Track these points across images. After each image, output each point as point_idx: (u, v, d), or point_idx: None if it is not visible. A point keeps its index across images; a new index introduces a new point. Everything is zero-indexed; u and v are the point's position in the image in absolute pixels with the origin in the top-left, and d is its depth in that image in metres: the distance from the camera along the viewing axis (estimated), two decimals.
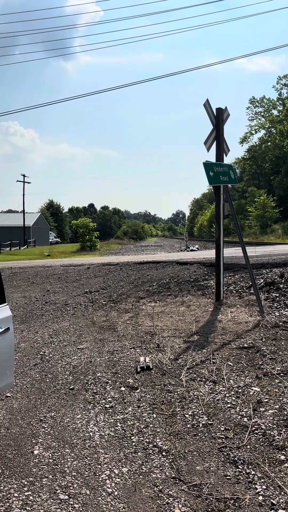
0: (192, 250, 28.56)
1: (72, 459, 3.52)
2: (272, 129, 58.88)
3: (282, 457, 3.35)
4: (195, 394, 4.55)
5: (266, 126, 61.16)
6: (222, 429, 3.83)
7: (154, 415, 4.19)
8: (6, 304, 3.91)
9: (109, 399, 4.63)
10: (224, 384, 4.72)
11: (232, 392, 4.50)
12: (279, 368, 4.98)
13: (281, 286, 8.50)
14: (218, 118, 8.51)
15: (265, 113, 61.73)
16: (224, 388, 4.61)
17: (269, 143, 59.83)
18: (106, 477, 3.26)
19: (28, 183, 57.76)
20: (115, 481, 3.21)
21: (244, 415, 4.03)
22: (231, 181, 7.96)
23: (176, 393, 4.61)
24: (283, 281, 8.78)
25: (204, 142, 8.45)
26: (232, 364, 5.25)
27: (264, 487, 3.02)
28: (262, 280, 9.10)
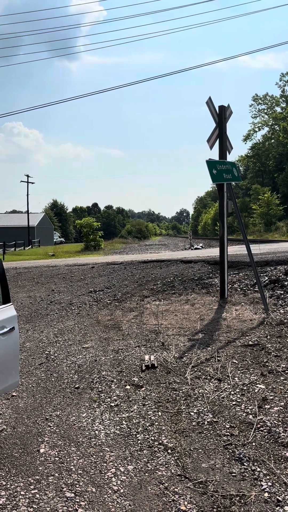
0: (196, 249, 28.53)
1: (78, 457, 3.54)
2: (276, 126, 58.67)
3: None
4: (200, 392, 4.55)
5: (270, 123, 60.95)
6: (227, 426, 3.83)
7: (159, 413, 4.20)
8: (11, 303, 3.93)
9: (114, 397, 4.65)
10: (229, 381, 4.72)
11: (237, 390, 4.50)
12: (284, 366, 4.98)
13: (286, 283, 8.48)
14: (221, 116, 8.50)
15: (268, 110, 61.50)
16: (229, 386, 4.61)
17: (272, 141, 59.63)
18: (112, 475, 3.28)
19: (32, 183, 57.89)
20: (121, 479, 3.22)
21: (249, 412, 4.03)
22: (234, 178, 7.95)
23: (181, 391, 4.62)
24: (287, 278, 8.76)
25: (207, 140, 8.45)
26: (237, 362, 5.25)
27: (269, 484, 3.02)
28: (266, 278, 9.08)
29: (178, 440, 3.71)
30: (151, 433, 3.85)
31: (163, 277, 11.12)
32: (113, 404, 4.48)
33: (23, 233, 54.70)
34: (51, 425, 4.13)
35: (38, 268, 17.09)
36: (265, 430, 3.70)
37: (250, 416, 3.95)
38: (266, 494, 2.92)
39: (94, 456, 3.55)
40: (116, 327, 7.40)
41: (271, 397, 4.25)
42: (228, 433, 3.72)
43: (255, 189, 53.94)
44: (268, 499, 2.87)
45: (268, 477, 3.10)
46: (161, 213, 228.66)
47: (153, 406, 4.35)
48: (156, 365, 5.37)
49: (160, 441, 3.70)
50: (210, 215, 74.38)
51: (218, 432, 3.76)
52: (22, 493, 3.10)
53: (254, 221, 47.39)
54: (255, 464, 3.27)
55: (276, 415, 3.91)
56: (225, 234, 8.54)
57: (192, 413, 4.13)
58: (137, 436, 3.82)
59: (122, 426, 4.02)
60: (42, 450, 3.68)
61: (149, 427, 3.95)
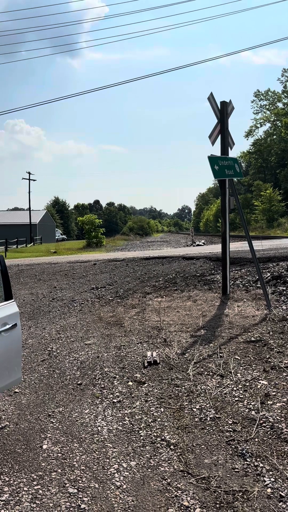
0: (198, 245, 28.50)
1: (81, 453, 3.55)
2: (278, 122, 58.43)
3: None
4: (202, 388, 4.55)
5: (271, 119, 60.69)
6: (230, 422, 3.83)
7: (162, 409, 4.20)
8: (13, 300, 3.93)
9: (116, 393, 4.65)
10: (231, 377, 4.72)
11: (240, 386, 4.50)
12: (286, 361, 4.97)
13: None
14: (223, 111, 8.47)
15: (270, 106, 61.22)
16: (231, 382, 4.61)
17: (274, 136, 59.39)
18: (115, 471, 3.28)
19: (34, 180, 57.88)
20: (124, 475, 3.23)
21: (252, 408, 4.02)
22: (236, 174, 7.92)
23: (183, 387, 4.62)
24: None
25: (209, 136, 8.41)
26: (239, 358, 5.24)
27: (272, 479, 3.02)
28: (269, 274, 9.06)
29: (181, 436, 3.71)
30: (154, 429, 3.85)
31: (165, 274, 11.12)
32: (115, 401, 4.48)
33: (25, 230, 54.73)
34: (53, 421, 4.14)
35: (40, 265, 17.11)
36: (267, 426, 3.70)
37: (253, 412, 3.95)
38: (269, 490, 2.92)
39: (96, 452, 3.55)
40: (118, 323, 7.40)
41: (274, 393, 4.25)
42: (230, 429, 3.72)
43: (257, 185, 53.76)
44: (271, 495, 2.87)
45: (271, 472, 3.10)
46: (162, 210, 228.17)
47: (156, 402, 4.35)
48: (158, 362, 5.37)
49: (163, 437, 3.70)
50: (212, 212, 74.31)
51: (220, 428, 3.76)
52: (25, 489, 3.11)
53: (256, 217, 47.29)
54: (258, 459, 3.27)
55: (279, 411, 3.91)
56: (227, 230, 8.52)
57: (194, 409, 4.13)
58: (140, 432, 3.82)
59: (125, 422, 4.02)
60: (45, 446, 3.69)
61: (152, 423, 3.95)
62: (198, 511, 2.77)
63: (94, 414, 4.22)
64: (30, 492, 3.07)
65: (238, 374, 4.79)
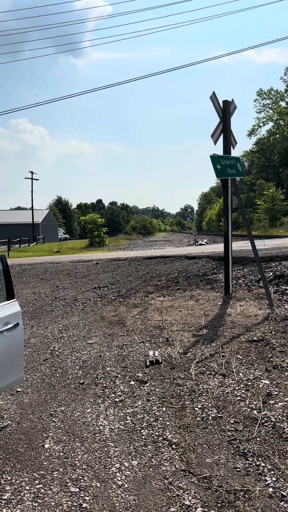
0: (200, 244, 28.47)
1: (83, 453, 3.55)
2: (280, 121, 58.28)
3: None
4: (204, 387, 4.55)
5: (274, 118, 60.56)
6: (232, 421, 3.83)
7: (164, 409, 4.20)
8: (15, 300, 3.94)
9: (118, 393, 4.66)
10: (233, 377, 4.71)
11: (242, 385, 4.50)
12: None
13: None
14: (225, 110, 8.45)
15: (273, 105, 61.07)
16: (233, 381, 4.61)
17: (277, 135, 59.26)
18: (116, 470, 3.29)
19: (36, 179, 57.98)
20: (125, 474, 3.23)
21: (254, 407, 4.02)
22: (238, 174, 7.90)
23: (185, 387, 4.62)
24: None
25: (211, 135, 8.40)
26: (241, 357, 5.24)
27: (274, 479, 3.02)
28: (271, 273, 9.05)
29: (183, 435, 3.71)
30: (156, 428, 3.86)
31: (167, 273, 11.11)
32: (117, 400, 4.49)
33: (28, 229, 54.79)
34: (55, 420, 4.15)
35: (43, 264, 17.14)
36: (269, 426, 3.69)
37: (255, 412, 3.95)
38: (270, 489, 2.92)
39: (98, 451, 3.56)
40: (121, 323, 7.41)
41: (276, 393, 4.24)
42: (232, 429, 3.72)
43: (259, 185, 53.65)
44: (273, 494, 2.87)
45: (272, 472, 3.10)
46: (165, 209, 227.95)
47: (158, 402, 4.35)
48: (160, 361, 5.37)
49: (165, 437, 3.71)
50: (214, 211, 74.17)
51: (222, 427, 3.76)
52: (27, 488, 3.11)
53: (258, 216, 47.21)
54: (260, 459, 3.27)
55: (281, 411, 3.90)
56: (229, 229, 8.51)
57: (196, 409, 4.13)
58: (142, 431, 3.83)
59: (127, 421, 4.03)
60: (46, 446, 3.69)
61: (154, 423, 3.95)
62: (200, 511, 2.78)
63: (96, 414, 4.23)
64: (32, 491, 3.08)
65: (240, 374, 4.78)
